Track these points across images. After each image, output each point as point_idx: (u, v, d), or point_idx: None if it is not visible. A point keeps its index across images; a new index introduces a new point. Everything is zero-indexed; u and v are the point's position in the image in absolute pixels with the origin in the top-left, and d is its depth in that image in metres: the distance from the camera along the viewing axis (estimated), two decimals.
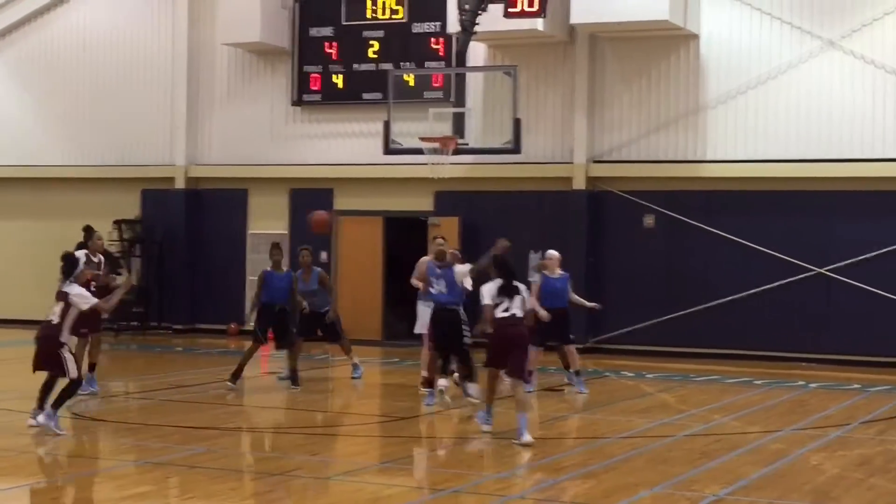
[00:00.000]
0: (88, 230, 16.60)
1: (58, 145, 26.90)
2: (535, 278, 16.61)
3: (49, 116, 27.06)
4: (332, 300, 17.96)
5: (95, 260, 15.95)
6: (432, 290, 14.90)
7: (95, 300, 13.02)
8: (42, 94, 27.13)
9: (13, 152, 27.23)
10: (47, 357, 12.78)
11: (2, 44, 27.45)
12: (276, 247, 17.08)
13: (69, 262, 13.09)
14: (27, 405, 14.10)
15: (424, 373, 15.73)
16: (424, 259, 16.21)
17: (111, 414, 14.64)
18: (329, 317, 17.54)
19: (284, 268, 17.00)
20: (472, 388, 14.99)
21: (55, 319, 12.80)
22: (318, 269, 17.76)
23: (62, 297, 12.86)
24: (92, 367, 15.77)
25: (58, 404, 12.72)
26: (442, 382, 15.02)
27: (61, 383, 12.79)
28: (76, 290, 12.87)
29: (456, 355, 15.17)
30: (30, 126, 27.18)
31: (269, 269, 16.84)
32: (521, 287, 13.03)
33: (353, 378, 17.87)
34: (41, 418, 12.68)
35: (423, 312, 16.00)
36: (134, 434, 13.07)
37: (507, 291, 12.80)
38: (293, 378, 16.66)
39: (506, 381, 13.25)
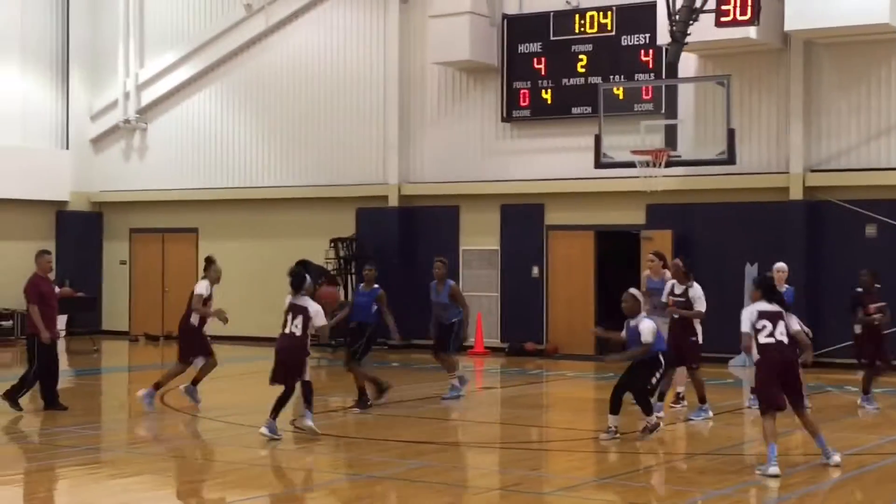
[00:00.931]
0: (208, 261, 16.62)
1: (277, 167, 27.75)
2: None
3: (268, 139, 27.92)
4: (462, 314, 17.31)
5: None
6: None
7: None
8: (261, 118, 28.03)
9: (236, 175, 28.23)
10: (290, 368, 13.49)
11: (224, 70, 28.49)
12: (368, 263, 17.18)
13: (298, 277, 13.70)
14: (254, 419, 14.56)
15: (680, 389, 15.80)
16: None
17: (331, 428, 14.91)
18: (460, 331, 17.24)
19: (376, 284, 16.57)
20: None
21: (298, 332, 13.47)
22: (451, 282, 17.55)
23: (300, 310, 13.50)
24: (195, 382, 16.28)
25: (308, 405, 13.67)
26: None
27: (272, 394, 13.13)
28: (314, 306, 13.55)
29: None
30: (251, 149, 28.12)
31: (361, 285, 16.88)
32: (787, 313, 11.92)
33: (443, 398, 17.19)
34: (264, 430, 13.41)
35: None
36: (353, 448, 13.32)
37: (769, 316, 11.78)
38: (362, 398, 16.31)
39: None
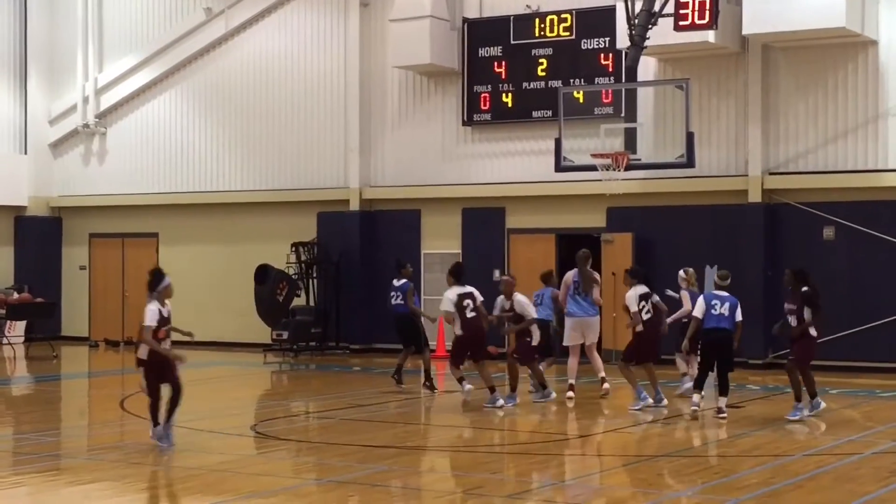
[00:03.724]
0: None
1: (237, 171, 27.67)
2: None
3: (228, 143, 27.84)
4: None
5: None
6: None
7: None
8: (221, 122, 27.94)
9: (196, 179, 28.13)
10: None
11: (183, 74, 28.39)
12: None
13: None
14: (214, 424, 14.55)
15: (572, 380, 17.45)
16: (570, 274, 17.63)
17: (293, 433, 14.93)
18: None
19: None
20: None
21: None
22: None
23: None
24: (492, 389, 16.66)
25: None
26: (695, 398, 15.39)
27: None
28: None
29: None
30: (211, 153, 28.03)
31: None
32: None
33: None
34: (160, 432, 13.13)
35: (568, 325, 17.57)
36: (316, 453, 13.32)
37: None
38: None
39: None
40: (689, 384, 17.10)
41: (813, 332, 15.35)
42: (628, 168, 20.27)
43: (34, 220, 29.65)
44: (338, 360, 24.56)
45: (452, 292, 16.41)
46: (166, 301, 13.29)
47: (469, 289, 16.61)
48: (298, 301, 25.73)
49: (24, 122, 29.73)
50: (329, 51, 26.62)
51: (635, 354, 16.46)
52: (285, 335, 25.35)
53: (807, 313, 15.23)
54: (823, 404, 15.81)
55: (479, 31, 24.91)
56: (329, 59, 26.61)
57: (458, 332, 16.43)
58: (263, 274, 25.22)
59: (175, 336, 13.42)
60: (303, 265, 26.00)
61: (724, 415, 15.09)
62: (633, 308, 16.28)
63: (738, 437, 14.10)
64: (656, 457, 12.90)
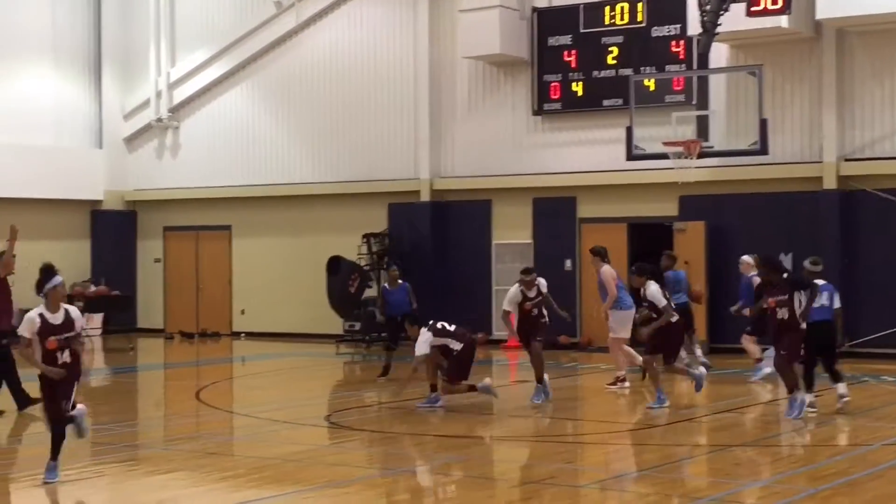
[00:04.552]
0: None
1: (309, 163, 27.82)
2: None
3: (300, 136, 28.00)
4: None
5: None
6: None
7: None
8: (293, 115, 28.10)
9: (268, 172, 28.31)
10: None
11: (254, 67, 28.58)
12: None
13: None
14: (288, 415, 14.64)
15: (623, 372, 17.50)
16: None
17: (367, 423, 14.99)
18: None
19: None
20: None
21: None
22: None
23: None
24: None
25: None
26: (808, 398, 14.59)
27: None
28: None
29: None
30: (283, 146, 28.20)
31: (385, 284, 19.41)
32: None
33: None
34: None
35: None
36: (389, 443, 13.36)
37: None
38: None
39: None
40: (767, 369, 17.25)
41: (803, 325, 14.24)
42: (701, 156, 20.12)
43: (110, 213, 30.04)
44: (409, 352, 24.56)
45: (426, 335, 15.66)
46: (62, 305, 11.07)
47: (436, 323, 15.90)
48: (370, 292, 25.82)
49: (98, 117, 30.14)
50: (398, 42, 26.67)
51: (659, 348, 15.73)
52: (357, 326, 25.45)
53: (802, 297, 14.11)
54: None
55: (549, 20, 24.81)
56: (398, 50, 26.66)
57: (457, 347, 15.55)
58: (335, 265, 25.35)
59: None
60: (374, 256, 26.08)
61: (848, 398, 14.62)
62: (663, 303, 15.54)
63: (815, 427, 13.93)
64: (731, 446, 12.78)
